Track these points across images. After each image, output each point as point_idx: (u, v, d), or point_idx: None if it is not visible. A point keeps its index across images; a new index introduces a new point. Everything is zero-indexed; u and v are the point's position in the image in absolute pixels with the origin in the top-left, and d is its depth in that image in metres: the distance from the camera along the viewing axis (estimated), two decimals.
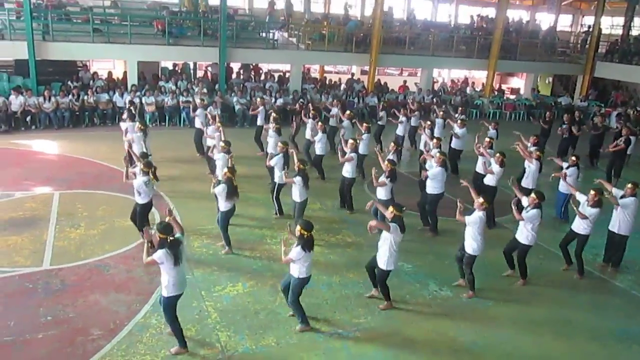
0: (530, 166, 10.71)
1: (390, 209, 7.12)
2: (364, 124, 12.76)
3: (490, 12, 26.85)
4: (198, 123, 13.50)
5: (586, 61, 24.94)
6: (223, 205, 8.60)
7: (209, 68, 22.10)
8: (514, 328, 7.29)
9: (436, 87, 24.37)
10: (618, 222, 8.82)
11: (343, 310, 7.37)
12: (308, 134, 13.45)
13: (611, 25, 29.33)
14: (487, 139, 11.65)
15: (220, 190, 8.43)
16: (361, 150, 11.94)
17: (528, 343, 6.98)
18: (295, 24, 22.38)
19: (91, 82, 17.82)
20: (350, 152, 10.70)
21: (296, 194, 9.37)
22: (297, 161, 9.39)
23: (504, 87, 27.97)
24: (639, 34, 26.69)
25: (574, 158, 10.69)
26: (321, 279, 8.13)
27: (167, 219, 6.35)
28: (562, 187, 10.62)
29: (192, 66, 22.10)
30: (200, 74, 22.32)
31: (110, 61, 21.99)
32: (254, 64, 22.48)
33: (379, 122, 15.57)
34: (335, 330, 6.93)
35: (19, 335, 6.33)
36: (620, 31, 26.92)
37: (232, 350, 6.37)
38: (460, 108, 16.35)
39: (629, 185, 8.78)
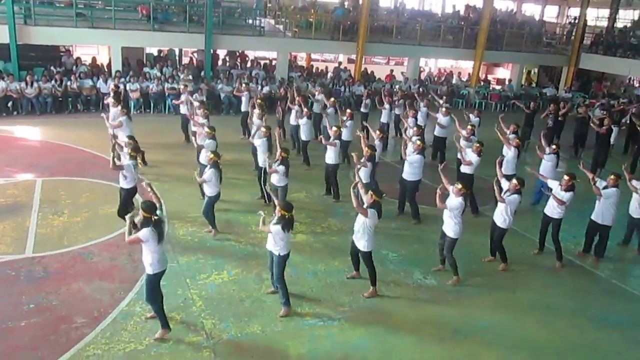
0: (509, 152, 10.83)
1: (370, 193, 7.18)
2: (348, 111, 12.82)
3: (478, 2, 26.82)
4: (183, 109, 13.43)
5: (571, 52, 25.11)
6: (209, 190, 8.61)
7: (195, 54, 21.87)
8: (497, 315, 7.37)
9: (422, 76, 24.40)
10: (601, 213, 8.93)
11: (328, 298, 7.40)
12: (293, 119, 13.48)
13: (596, 17, 29.51)
14: (469, 127, 11.77)
15: (210, 175, 8.44)
16: (345, 136, 12.01)
17: (511, 330, 7.07)
18: (282, 11, 22.22)
19: (74, 67, 17.55)
20: (333, 138, 10.73)
21: (277, 179, 9.35)
22: (279, 149, 9.35)
23: (490, 77, 28.08)
24: (624, 26, 26.89)
25: (554, 147, 10.79)
26: (306, 267, 8.15)
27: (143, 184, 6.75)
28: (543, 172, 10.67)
29: (177, 52, 21.86)
30: (185, 60, 22.08)
31: (94, 47, 21.66)
32: (240, 51, 22.30)
33: (363, 110, 15.70)
34: (321, 317, 6.96)
35: (1, 323, 6.27)
36: (605, 23, 27.13)
37: (217, 338, 6.37)
38: (444, 97, 16.45)
39: (612, 177, 8.89)
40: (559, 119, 15.53)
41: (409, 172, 9.96)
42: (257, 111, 12.14)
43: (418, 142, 10.08)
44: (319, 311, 7.09)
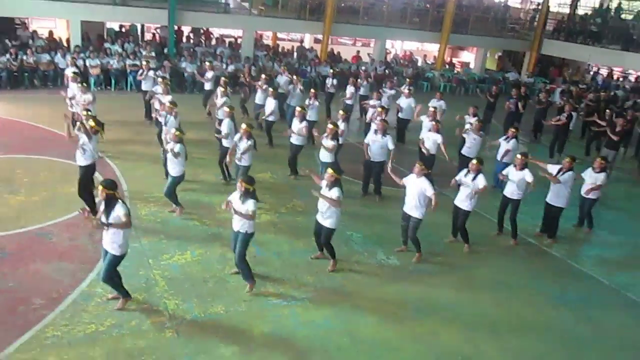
0: (476, 138, 11.01)
1: (330, 171, 7.22)
2: (312, 91, 12.82)
3: None
4: (145, 86, 13.16)
5: (534, 38, 25.58)
6: (175, 170, 8.47)
7: (158, 31, 21.34)
8: (457, 296, 7.56)
9: (389, 58, 24.47)
10: (555, 195, 9.17)
11: (292, 278, 7.44)
12: (259, 99, 13.38)
13: (559, 3, 30.05)
14: (431, 109, 11.90)
15: (179, 148, 8.31)
16: (311, 117, 12.01)
17: (469, 308, 7.27)
18: None
19: (30, 41, 16.90)
20: (300, 120, 10.68)
21: (245, 158, 9.23)
22: (244, 125, 9.14)
23: (454, 60, 28.36)
24: (585, 13, 27.49)
25: (513, 130, 10.98)
26: (270, 247, 8.16)
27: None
28: (500, 156, 10.92)
29: (139, 28, 21.27)
30: (148, 36, 21.52)
31: (51, 20, 20.86)
32: (204, 29, 21.86)
33: (329, 90, 15.68)
34: (285, 297, 7.00)
35: None
36: (567, 10, 27.67)
37: (179, 319, 6.34)
38: (408, 80, 16.57)
39: (567, 159, 9.12)
40: (521, 109, 15.79)
41: (376, 154, 10.03)
42: (221, 89, 12.00)
43: (380, 122, 10.11)
44: (283, 291, 7.13)
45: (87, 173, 8.17)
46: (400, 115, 13.93)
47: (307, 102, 12.39)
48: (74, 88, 11.38)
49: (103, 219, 5.84)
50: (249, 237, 6.81)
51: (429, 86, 22.83)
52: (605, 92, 19.33)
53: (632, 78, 26.13)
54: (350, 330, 6.51)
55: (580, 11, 27.78)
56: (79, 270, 7.02)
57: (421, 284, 7.73)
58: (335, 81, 15.83)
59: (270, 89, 12.72)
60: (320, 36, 21.95)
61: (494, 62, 28.41)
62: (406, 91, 14.00)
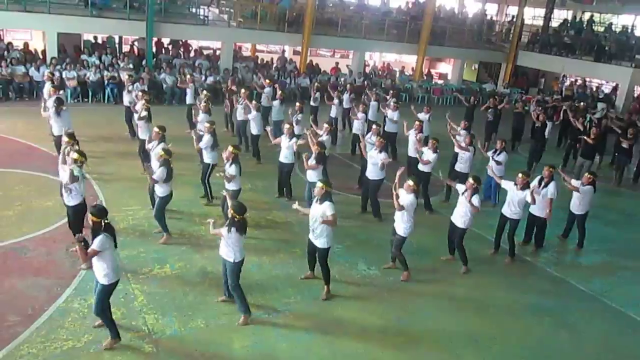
0: (466, 154, 10.87)
1: (319, 184, 7.04)
2: (297, 104, 12.58)
3: None
4: (126, 101, 12.91)
5: (509, 50, 26.05)
6: (160, 190, 8.23)
7: (136, 43, 21.22)
8: (438, 305, 7.59)
9: (367, 70, 24.66)
10: (537, 207, 9.07)
11: (273, 291, 7.40)
12: (240, 114, 13.10)
13: (533, 16, 30.69)
14: (417, 123, 11.78)
15: (161, 173, 7.98)
16: (297, 131, 11.74)
17: (449, 319, 7.29)
18: (226, 0, 21.88)
19: (5, 52, 16.65)
20: (289, 138, 10.20)
21: (233, 182, 8.68)
22: (231, 148, 8.61)
23: (432, 72, 28.72)
24: (558, 25, 28.11)
25: (502, 142, 10.90)
26: (251, 259, 8.07)
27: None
28: (490, 171, 10.54)
29: (117, 40, 21.11)
30: (126, 48, 21.36)
31: (26, 31, 20.60)
32: (183, 41, 21.81)
33: (313, 104, 15.64)
34: (265, 310, 6.95)
35: None
36: (541, 22, 28.26)
37: (159, 333, 6.25)
38: (391, 91, 16.56)
39: (546, 169, 9.25)
40: (492, 116, 16.00)
41: (373, 172, 9.79)
42: (202, 104, 11.84)
43: (378, 139, 9.81)
44: (264, 303, 7.08)
45: (76, 214, 7.32)
46: (387, 129, 13.47)
47: (294, 118, 12.04)
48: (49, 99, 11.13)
49: (81, 256, 5.57)
50: (237, 267, 6.47)
51: (407, 97, 23.05)
52: (581, 103, 19.70)
53: (604, 89, 26.66)
54: (331, 342, 6.48)
55: (554, 23, 28.39)
56: (55, 285, 6.88)
57: (402, 293, 7.74)
58: (318, 94, 15.76)
59: (254, 102, 12.56)
60: (299, 48, 22.05)
61: (472, 73, 28.85)
62: (392, 104, 13.86)
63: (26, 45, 18.18)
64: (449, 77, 27.45)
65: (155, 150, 8.59)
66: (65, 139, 7.99)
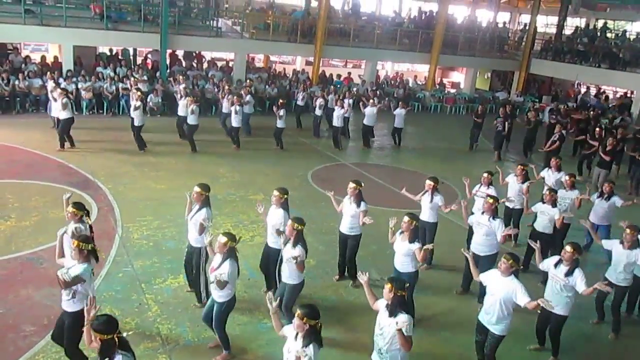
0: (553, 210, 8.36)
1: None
2: (280, 101, 14.92)
3: (434, 6, 27.38)
4: (138, 119, 12.93)
5: (522, 58, 25.95)
6: (222, 294, 5.86)
7: (150, 55, 21.49)
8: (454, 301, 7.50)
9: (379, 80, 24.70)
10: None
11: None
12: (225, 108, 14.85)
13: (546, 24, 30.60)
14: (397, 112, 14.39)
15: (229, 272, 5.69)
16: (279, 124, 14.47)
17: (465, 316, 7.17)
18: (239, 12, 22.10)
19: (23, 66, 16.94)
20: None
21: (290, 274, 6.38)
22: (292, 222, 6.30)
23: (445, 81, 28.69)
24: (571, 33, 27.96)
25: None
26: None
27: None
28: (592, 216, 9.27)
29: (131, 52, 21.40)
30: (141, 60, 21.63)
31: (43, 45, 20.97)
32: (197, 52, 22.04)
33: (317, 112, 16.32)
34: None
35: None
36: (554, 30, 28.14)
37: (173, 344, 6.27)
38: (400, 102, 17.11)
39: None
40: (504, 130, 15.89)
41: (349, 225, 7.78)
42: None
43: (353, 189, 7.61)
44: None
45: (77, 323, 5.11)
46: (365, 122, 15.66)
47: (277, 113, 14.17)
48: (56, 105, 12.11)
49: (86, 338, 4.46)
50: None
51: (419, 106, 23.02)
52: (594, 111, 19.53)
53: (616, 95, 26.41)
54: (346, 351, 6.43)
55: (567, 31, 28.25)
56: None
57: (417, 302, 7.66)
58: (322, 101, 16.37)
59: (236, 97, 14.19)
60: (311, 58, 22.16)
61: (485, 82, 28.76)
62: (374, 101, 15.87)
63: (43, 58, 18.49)
64: (462, 85, 27.39)
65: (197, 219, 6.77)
66: (70, 209, 6.11)
